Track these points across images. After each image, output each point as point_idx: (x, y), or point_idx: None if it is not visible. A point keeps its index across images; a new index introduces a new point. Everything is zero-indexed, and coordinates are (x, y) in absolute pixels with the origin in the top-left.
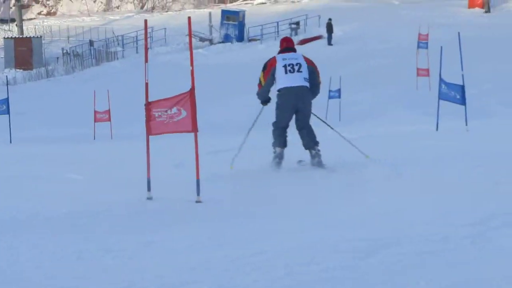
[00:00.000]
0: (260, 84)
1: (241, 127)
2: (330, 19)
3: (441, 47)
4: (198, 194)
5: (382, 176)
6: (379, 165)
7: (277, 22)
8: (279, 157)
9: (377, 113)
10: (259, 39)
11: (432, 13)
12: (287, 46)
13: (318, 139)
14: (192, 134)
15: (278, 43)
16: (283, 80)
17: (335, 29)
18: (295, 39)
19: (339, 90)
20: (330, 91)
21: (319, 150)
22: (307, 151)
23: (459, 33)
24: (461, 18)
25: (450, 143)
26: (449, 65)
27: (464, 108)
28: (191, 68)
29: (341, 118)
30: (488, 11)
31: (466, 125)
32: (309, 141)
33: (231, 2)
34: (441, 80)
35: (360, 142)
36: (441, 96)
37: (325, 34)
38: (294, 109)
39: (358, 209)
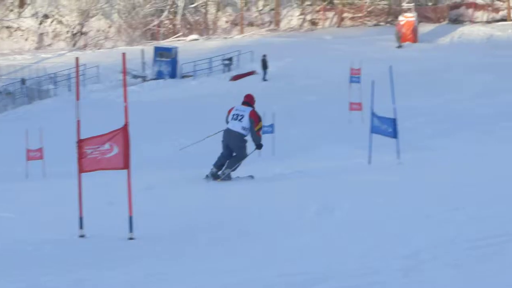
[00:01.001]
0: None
1: (174, 162)
2: (264, 55)
3: (373, 81)
4: (131, 231)
5: (315, 211)
6: (312, 200)
7: (210, 58)
8: (211, 174)
9: (311, 147)
10: (192, 76)
11: (364, 48)
12: (244, 100)
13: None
14: (126, 171)
15: (211, 79)
16: (229, 123)
17: (269, 64)
18: (228, 75)
19: (272, 125)
20: (263, 126)
21: (227, 175)
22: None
23: (391, 66)
24: (392, 52)
25: (382, 177)
26: (381, 99)
27: (396, 141)
28: (124, 104)
29: (275, 153)
30: (400, 46)
31: (399, 158)
32: (227, 165)
33: (163, 39)
34: (373, 114)
35: (294, 177)
36: (373, 130)
37: (259, 70)
38: (226, 143)
39: (292, 244)
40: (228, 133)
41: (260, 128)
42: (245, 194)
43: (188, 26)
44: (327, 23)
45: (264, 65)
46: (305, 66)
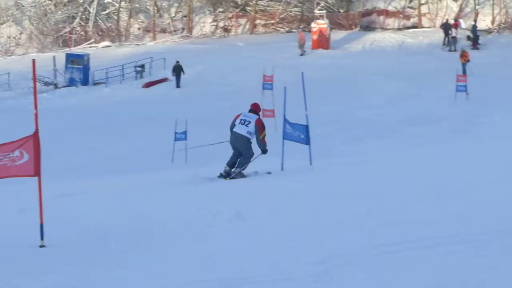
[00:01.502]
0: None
1: (85, 170)
2: (177, 61)
3: (285, 87)
4: (42, 238)
5: (228, 218)
6: (225, 207)
7: (122, 65)
8: (224, 172)
9: (224, 154)
10: (104, 83)
11: (276, 54)
12: (251, 108)
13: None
14: (37, 178)
15: (123, 86)
16: (236, 127)
17: (183, 71)
18: (141, 82)
19: (185, 132)
20: (176, 133)
21: (238, 173)
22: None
23: (302, 73)
24: (305, 59)
25: (295, 183)
26: (294, 105)
27: (308, 148)
28: (35, 111)
29: (188, 160)
30: (303, 54)
31: (311, 164)
32: (238, 163)
33: (75, 46)
34: (285, 120)
35: (207, 185)
36: (286, 136)
37: (171, 77)
38: (233, 145)
39: (204, 251)
40: (235, 136)
41: (264, 136)
42: (159, 202)
43: (100, 33)
44: (239, 30)
45: (177, 72)
46: (218, 72)
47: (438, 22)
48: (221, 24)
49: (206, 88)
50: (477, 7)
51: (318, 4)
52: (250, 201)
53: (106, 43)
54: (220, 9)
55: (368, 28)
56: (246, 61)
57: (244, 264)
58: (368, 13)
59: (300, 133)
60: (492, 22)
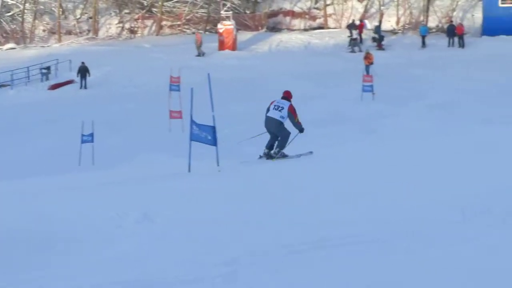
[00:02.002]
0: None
1: None
2: (83, 62)
3: (192, 89)
4: None
5: (135, 219)
6: (132, 209)
7: (28, 67)
8: (264, 154)
9: (131, 156)
10: (9, 85)
11: (183, 55)
12: (283, 95)
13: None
14: None
15: (29, 88)
16: (270, 112)
17: (89, 72)
18: (46, 84)
19: (92, 134)
20: (83, 135)
21: (278, 151)
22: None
23: (208, 74)
24: (212, 60)
25: (202, 184)
26: (201, 106)
27: (215, 149)
28: None
29: (95, 162)
30: (199, 55)
31: (218, 165)
32: (277, 144)
33: None
34: (192, 121)
35: (114, 187)
36: (193, 138)
37: (77, 78)
38: (268, 128)
39: (110, 253)
40: (268, 120)
41: (298, 119)
42: (65, 204)
43: (5, 35)
44: (146, 31)
45: (83, 73)
46: (124, 74)
47: (344, 22)
48: (127, 25)
49: (112, 89)
50: (382, 8)
51: (224, 5)
52: (157, 202)
53: (11, 45)
54: (126, 11)
55: (275, 29)
56: (152, 63)
57: (151, 265)
58: (274, 14)
59: (207, 134)
60: (397, 23)
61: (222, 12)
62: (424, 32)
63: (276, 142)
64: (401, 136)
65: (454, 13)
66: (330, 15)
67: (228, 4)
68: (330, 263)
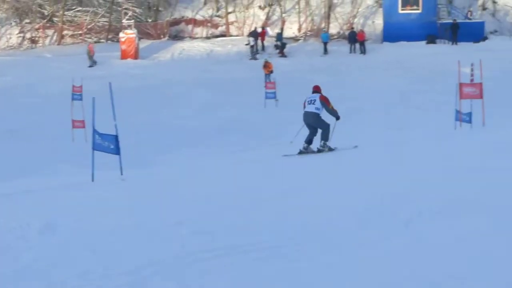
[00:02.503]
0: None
1: None
2: None
3: (93, 98)
4: None
5: (37, 229)
6: (34, 219)
7: None
8: (304, 149)
9: (33, 167)
10: None
11: (85, 65)
12: (313, 90)
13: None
14: None
15: None
16: (306, 107)
17: None
18: None
19: None
20: None
21: (323, 144)
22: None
23: (110, 83)
24: (114, 69)
25: (105, 193)
26: (103, 116)
27: (118, 158)
28: None
29: None
30: (91, 65)
31: (122, 174)
32: (321, 137)
33: None
34: (94, 131)
35: (16, 197)
36: (95, 147)
37: None
38: (307, 123)
39: (11, 266)
40: (306, 115)
41: (332, 106)
42: None
43: None
44: (47, 41)
45: None
46: (26, 84)
47: (246, 30)
48: (28, 35)
49: (14, 100)
50: (283, 15)
51: (126, 14)
52: (60, 213)
53: None
54: (27, 20)
55: (177, 37)
56: (54, 72)
57: (54, 277)
58: (176, 22)
59: (109, 143)
60: (299, 30)
61: (123, 21)
62: (326, 39)
63: (320, 136)
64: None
65: (355, 20)
66: (232, 23)
67: (130, 13)
68: (235, 271)
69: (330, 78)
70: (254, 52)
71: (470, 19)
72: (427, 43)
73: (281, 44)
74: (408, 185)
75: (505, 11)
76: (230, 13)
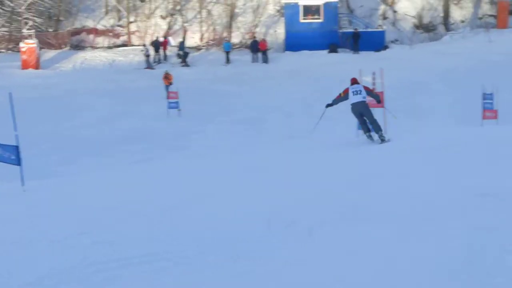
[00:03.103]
0: (339, 96)
1: None
2: None
3: None
4: None
5: None
6: None
7: None
8: (368, 137)
9: None
10: None
11: None
12: (353, 82)
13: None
14: None
15: None
16: (352, 99)
17: None
18: None
19: None
20: None
21: (381, 133)
22: (377, 134)
23: (10, 93)
24: (15, 79)
25: (6, 205)
26: (4, 126)
27: (20, 169)
28: None
29: None
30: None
31: (23, 185)
32: (376, 129)
33: None
34: None
35: None
36: None
37: None
38: (359, 113)
39: None
40: (355, 105)
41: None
42: None
43: None
44: None
45: None
46: None
47: (148, 39)
48: None
49: None
50: (185, 24)
51: (26, 23)
52: None
53: None
54: None
55: (78, 47)
56: None
57: None
58: (77, 32)
59: (10, 154)
60: (201, 39)
61: (24, 30)
62: (228, 48)
63: (372, 127)
64: (209, 151)
65: (257, 29)
66: (134, 32)
67: (30, 23)
68: (139, 280)
69: (233, 88)
70: (150, 62)
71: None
72: (329, 52)
73: (183, 54)
74: (311, 194)
75: (405, 20)
76: (131, 22)
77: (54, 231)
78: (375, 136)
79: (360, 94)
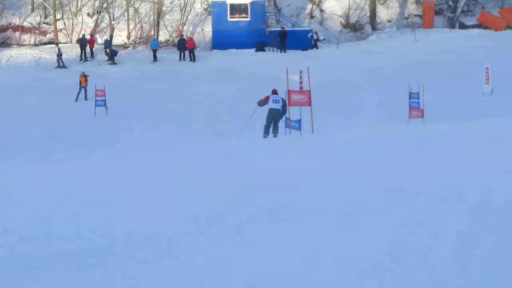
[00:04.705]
0: (261, 100)
1: None
2: None
3: None
4: None
5: None
6: None
7: None
8: (264, 137)
9: None
10: None
11: None
12: (273, 92)
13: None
14: None
15: None
16: (271, 105)
17: None
18: None
19: None
20: None
21: (276, 135)
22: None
23: None
24: None
25: None
26: None
27: None
28: None
29: None
30: None
31: None
32: (275, 132)
33: None
34: None
35: None
36: None
37: None
38: (272, 117)
39: None
40: (273, 110)
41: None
42: None
43: None
44: None
45: None
46: None
47: (75, 37)
48: None
49: None
50: (112, 22)
51: None
52: None
53: None
54: None
55: (4, 44)
56: None
57: None
58: (3, 29)
59: None
60: (128, 37)
61: None
62: (155, 46)
63: (276, 130)
64: (137, 149)
65: (185, 27)
66: (60, 30)
67: None
68: (66, 277)
69: (161, 86)
70: (62, 61)
71: (319, 39)
72: (256, 50)
73: (110, 52)
74: (238, 191)
75: (332, 20)
76: (58, 20)
77: None
78: (270, 136)
79: (278, 103)
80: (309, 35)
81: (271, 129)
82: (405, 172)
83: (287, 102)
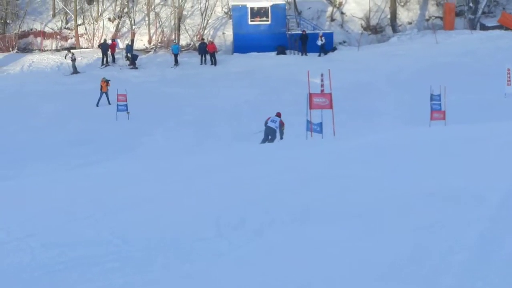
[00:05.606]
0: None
1: None
2: None
3: None
4: None
5: None
6: None
7: None
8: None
9: None
10: None
11: None
12: (276, 115)
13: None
14: None
15: None
16: (269, 123)
17: None
18: None
19: None
20: None
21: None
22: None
23: None
24: None
25: None
26: None
27: None
28: None
29: None
30: None
31: None
32: (271, 142)
33: None
34: None
35: None
36: None
37: None
38: (267, 133)
39: None
40: (269, 128)
41: (284, 129)
42: None
43: None
44: None
45: None
46: None
47: (96, 42)
48: None
49: None
50: (133, 27)
51: None
52: None
53: None
54: None
55: (26, 49)
56: None
57: None
58: (24, 35)
59: None
60: (149, 42)
61: None
62: (176, 51)
63: (270, 141)
64: (158, 153)
65: (205, 31)
66: (81, 35)
67: None
68: (88, 282)
69: (182, 90)
70: (75, 67)
71: (324, 45)
72: (277, 54)
73: (131, 56)
74: (259, 194)
75: (352, 22)
76: (79, 25)
77: (1, 234)
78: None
79: (275, 123)
80: (317, 42)
81: (266, 143)
82: (426, 175)
83: (284, 124)
